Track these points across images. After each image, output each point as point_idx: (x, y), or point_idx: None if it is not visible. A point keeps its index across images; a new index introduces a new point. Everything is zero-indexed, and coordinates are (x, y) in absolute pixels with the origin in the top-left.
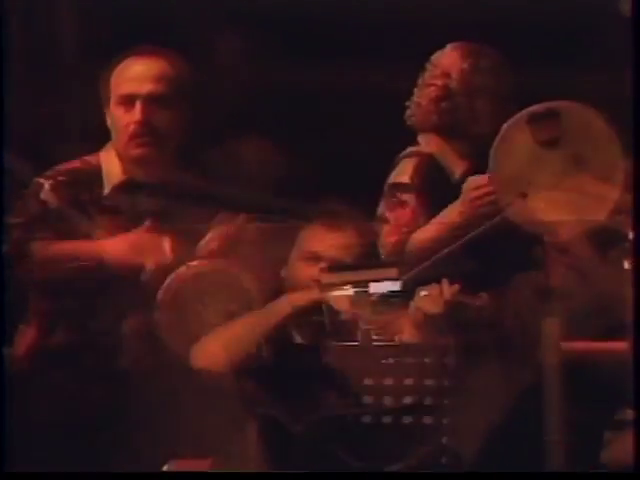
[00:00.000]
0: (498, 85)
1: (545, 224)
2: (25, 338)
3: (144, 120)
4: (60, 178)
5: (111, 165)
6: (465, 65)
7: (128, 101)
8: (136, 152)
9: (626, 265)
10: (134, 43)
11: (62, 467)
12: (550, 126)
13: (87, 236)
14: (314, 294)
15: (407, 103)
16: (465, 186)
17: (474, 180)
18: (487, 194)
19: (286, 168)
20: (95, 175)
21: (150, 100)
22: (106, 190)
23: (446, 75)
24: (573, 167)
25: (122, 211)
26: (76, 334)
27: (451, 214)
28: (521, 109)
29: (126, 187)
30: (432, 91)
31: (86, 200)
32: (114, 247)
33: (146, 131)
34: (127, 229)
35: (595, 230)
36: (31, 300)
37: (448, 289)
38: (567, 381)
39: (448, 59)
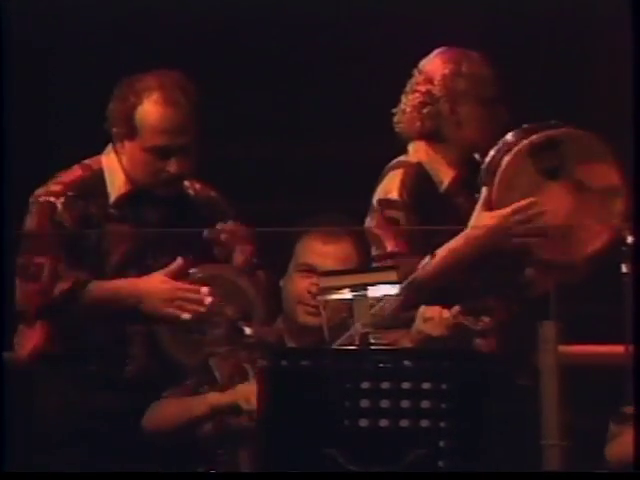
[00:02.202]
0: (481, 90)
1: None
2: (29, 341)
3: (178, 173)
4: (69, 194)
5: (114, 173)
6: (446, 70)
7: (161, 151)
8: (161, 192)
9: (624, 269)
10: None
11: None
12: (551, 156)
13: (99, 252)
14: (232, 395)
15: (394, 110)
16: (474, 220)
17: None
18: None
19: (284, 177)
20: (98, 182)
21: (183, 152)
22: (111, 199)
23: (429, 81)
24: (577, 193)
25: (128, 220)
26: (80, 339)
27: (461, 242)
28: (507, 113)
29: (130, 197)
30: (416, 97)
31: (94, 211)
32: (153, 293)
33: (177, 180)
34: (134, 237)
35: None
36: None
37: (450, 312)
38: (564, 384)
39: (431, 65)
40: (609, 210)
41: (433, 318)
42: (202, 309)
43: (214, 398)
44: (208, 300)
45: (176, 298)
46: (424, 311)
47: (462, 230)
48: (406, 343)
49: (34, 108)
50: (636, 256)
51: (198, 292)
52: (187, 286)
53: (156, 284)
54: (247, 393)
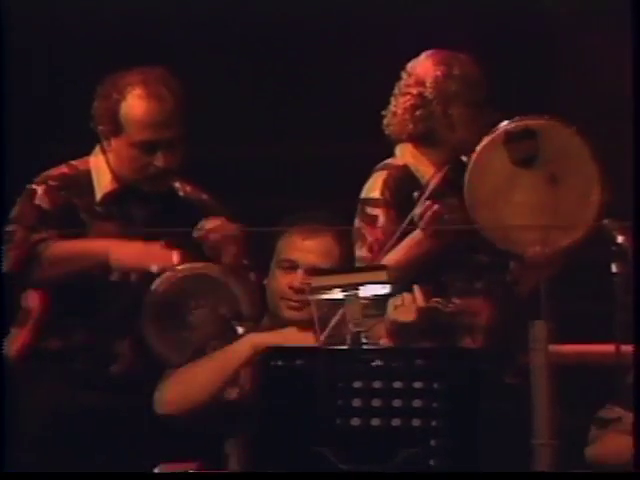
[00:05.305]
0: (473, 91)
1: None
2: (18, 340)
3: (165, 166)
4: (51, 183)
5: (101, 172)
6: (438, 72)
7: (147, 146)
8: (149, 187)
9: (614, 269)
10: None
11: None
12: (526, 145)
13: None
14: (276, 336)
15: (383, 112)
16: (419, 215)
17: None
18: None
19: (266, 174)
20: (85, 181)
21: (170, 145)
22: (97, 197)
23: (420, 83)
24: (549, 186)
25: (114, 217)
26: (68, 338)
27: (412, 240)
28: (497, 114)
29: (117, 195)
30: (407, 100)
31: (78, 204)
32: (121, 249)
33: (164, 173)
34: (120, 235)
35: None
36: (25, 301)
37: (420, 297)
38: (555, 384)
39: (422, 67)
40: (583, 205)
41: (403, 304)
42: (169, 264)
43: (257, 338)
44: (175, 255)
45: (144, 251)
46: (394, 300)
47: (452, 230)
48: (379, 331)
49: (33, 107)
50: (636, 256)
51: (165, 247)
52: (155, 243)
53: (127, 243)
54: (294, 336)
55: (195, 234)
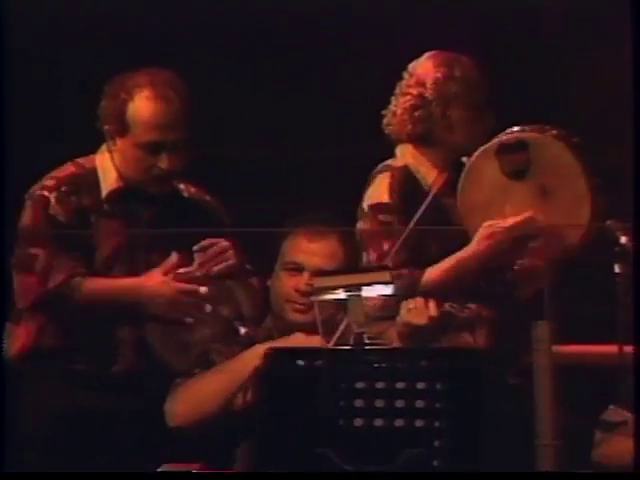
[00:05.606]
0: (472, 94)
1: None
2: (18, 339)
3: (169, 169)
4: (63, 189)
5: (107, 170)
6: (439, 74)
7: (152, 147)
8: (153, 189)
9: (617, 269)
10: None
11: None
12: (518, 157)
13: (92, 246)
14: (284, 345)
15: (384, 112)
16: (482, 231)
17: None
18: (502, 241)
19: (270, 175)
20: (92, 179)
21: (175, 147)
22: (103, 194)
23: (421, 84)
24: (540, 199)
25: (119, 216)
26: (69, 338)
27: (468, 254)
28: (496, 118)
29: (122, 193)
30: (407, 100)
31: (87, 206)
32: (156, 295)
33: (168, 175)
34: (126, 233)
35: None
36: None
37: (433, 301)
38: (558, 384)
39: (423, 68)
40: (573, 218)
41: (416, 307)
42: (203, 315)
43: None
44: (209, 305)
45: (179, 301)
46: (407, 302)
47: (453, 231)
48: (392, 335)
49: (33, 107)
50: (636, 257)
51: (198, 294)
52: (188, 288)
53: (158, 285)
54: (302, 342)
55: (196, 249)
